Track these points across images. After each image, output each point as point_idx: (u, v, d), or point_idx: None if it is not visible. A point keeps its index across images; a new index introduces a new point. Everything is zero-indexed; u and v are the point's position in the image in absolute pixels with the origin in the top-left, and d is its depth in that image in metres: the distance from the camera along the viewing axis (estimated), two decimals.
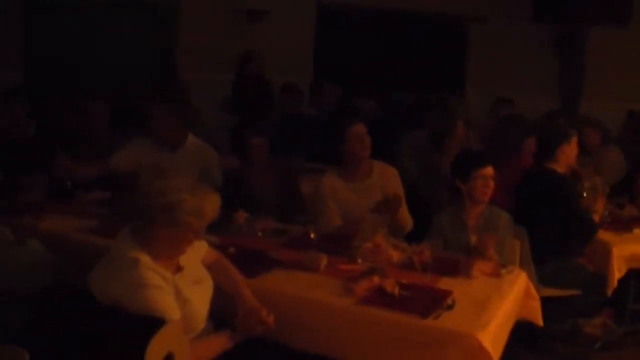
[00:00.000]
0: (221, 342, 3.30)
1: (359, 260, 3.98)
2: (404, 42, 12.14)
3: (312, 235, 4.31)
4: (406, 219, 4.90)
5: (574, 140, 5.35)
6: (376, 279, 3.61)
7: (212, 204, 3.19)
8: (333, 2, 11.74)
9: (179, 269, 3.25)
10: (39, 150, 5.97)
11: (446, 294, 3.59)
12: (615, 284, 5.13)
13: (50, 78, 8.96)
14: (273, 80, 9.30)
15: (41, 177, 5.14)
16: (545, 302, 4.26)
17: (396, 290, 3.54)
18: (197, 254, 3.43)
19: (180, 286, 3.18)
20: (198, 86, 8.66)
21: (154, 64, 10.17)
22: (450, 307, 3.44)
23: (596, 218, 5.24)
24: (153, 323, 2.94)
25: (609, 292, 5.15)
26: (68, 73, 9.08)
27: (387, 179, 4.91)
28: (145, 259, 3.10)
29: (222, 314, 3.43)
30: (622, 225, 5.50)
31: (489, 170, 4.53)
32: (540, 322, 4.14)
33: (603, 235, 5.26)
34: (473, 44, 12.32)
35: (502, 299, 3.67)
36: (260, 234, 4.49)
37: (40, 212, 4.64)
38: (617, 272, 5.13)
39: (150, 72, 9.96)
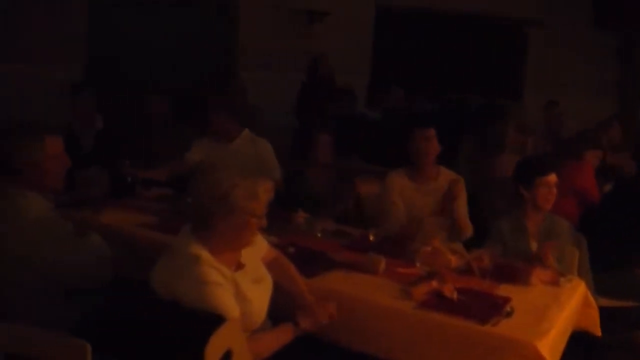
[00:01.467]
0: (284, 334, 3.31)
1: (418, 264, 3.97)
2: (462, 45, 12.10)
3: (371, 238, 4.32)
4: (467, 224, 4.91)
5: None
6: (435, 284, 3.60)
7: (264, 186, 3.20)
8: (392, 4, 11.72)
9: (239, 266, 3.27)
10: (103, 145, 6.07)
11: (505, 300, 3.56)
12: None
13: (111, 73, 9.06)
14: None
15: (103, 171, 5.21)
16: (601, 312, 4.21)
17: (455, 296, 3.53)
18: (257, 253, 3.46)
19: (240, 283, 3.19)
20: (256, 85, 8.72)
21: (213, 61, 10.25)
22: (509, 314, 3.42)
23: None
24: (213, 320, 2.95)
25: None
26: (128, 69, 9.19)
27: (453, 185, 4.90)
28: (205, 255, 3.12)
29: (281, 312, 3.45)
30: None
31: (553, 178, 4.49)
32: (598, 332, 4.09)
33: None
34: (532, 48, 12.24)
35: (561, 308, 3.63)
36: (319, 234, 4.50)
37: (101, 206, 4.71)
38: None
39: (208, 70, 10.04)
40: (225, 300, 3.08)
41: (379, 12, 11.96)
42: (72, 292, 3.68)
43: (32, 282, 3.55)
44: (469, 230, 4.95)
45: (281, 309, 3.45)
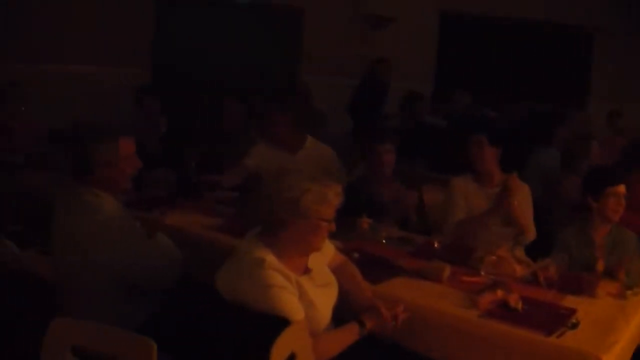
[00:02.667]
0: (349, 334, 3.31)
1: (483, 273, 3.95)
2: (527, 52, 11.99)
3: (436, 245, 4.31)
4: (528, 226, 4.87)
5: None
6: (500, 293, 3.57)
7: (334, 190, 3.21)
8: (457, 11, 11.68)
9: (306, 271, 3.29)
10: (169, 147, 6.15)
11: (570, 312, 3.52)
12: None
13: (176, 76, 9.16)
14: (395, 87, 9.29)
15: (169, 173, 5.28)
16: None
17: (520, 306, 3.50)
18: (324, 258, 3.47)
19: (305, 287, 3.21)
20: (319, 90, 8.74)
21: (276, 65, 10.30)
22: (574, 326, 3.38)
23: None
24: (278, 323, 2.97)
25: None
26: (193, 72, 9.28)
27: (508, 181, 4.85)
28: (271, 259, 3.14)
29: (344, 317, 3.46)
30: None
31: (622, 189, 4.43)
32: None
33: None
34: (598, 55, 12.09)
35: (628, 321, 3.57)
36: (384, 240, 4.50)
37: (167, 208, 4.77)
38: None
39: (272, 74, 10.10)
40: (289, 302, 3.09)
41: (444, 18, 11.92)
42: (140, 291, 3.74)
43: (102, 281, 3.62)
44: (531, 232, 4.90)
45: (344, 314, 3.47)
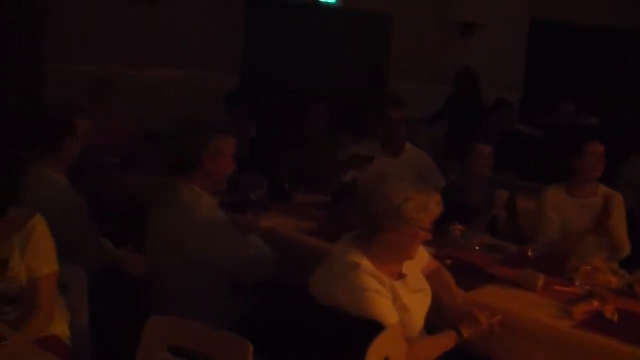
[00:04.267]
0: (446, 341, 3.32)
1: (577, 283, 3.90)
2: (619, 58, 11.78)
3: (529, 253, 4.29)
4: (624, 242, 4.81)
5: None
6: (596, 303, 3.53)
7: (435, 199, 3.22)
8: (547, 18, 11.54)
9: (400, 276, 3.31)
10: (258, 151, 6.22)
11: None
12: None
13: (264, 81, 9.25)
14: (483, 95, 9.22)
15: (260, 177, 5.34)
16: None
17: (615, 317, 3.45)
18: (418, 263, 3.48)
19: (399, 292, 3.22)
20: (406, 96, 8.73)
21: (364, 71, 10.32)
22: None
23: None
24: (372, 327, 3.00)
25: None
26: (282, 77, 9.35)
27: (610, 201, 4.79)
28: (365, 263, 3.16)
29: (434, 323, 3.47)
30: None
31: None
32: None
33: None
34: None
35: None
36: (477, 248, 4.49)
37: (259, 210, 4.83)
38: None
39: (360, 79, 10.12)
40: (383, 307, 3.11)
41: (533, 26, 11.80)
42: (234, 291, 3.81)
43: (198, 279, 3.70)
44: (626, 248, 4.83)
45: (435, 320, 3.48)
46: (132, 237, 4.60)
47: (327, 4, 10.08)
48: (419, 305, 3.35)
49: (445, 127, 9.29)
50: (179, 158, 3.79)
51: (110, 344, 3.76)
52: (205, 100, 8.25)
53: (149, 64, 8.57)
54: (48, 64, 7.80)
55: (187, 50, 8.77)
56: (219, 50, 9.02)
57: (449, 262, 4.03)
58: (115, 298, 4.05)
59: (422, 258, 3.53)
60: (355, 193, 4.98)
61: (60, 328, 3.48)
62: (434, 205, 3.20)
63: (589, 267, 3.96)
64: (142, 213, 4.26)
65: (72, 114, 4.50)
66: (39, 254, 3.33)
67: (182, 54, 8.75)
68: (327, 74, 9.64)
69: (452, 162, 5.54)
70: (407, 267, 3.35)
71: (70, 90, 6.81)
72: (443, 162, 5.82)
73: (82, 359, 3.55)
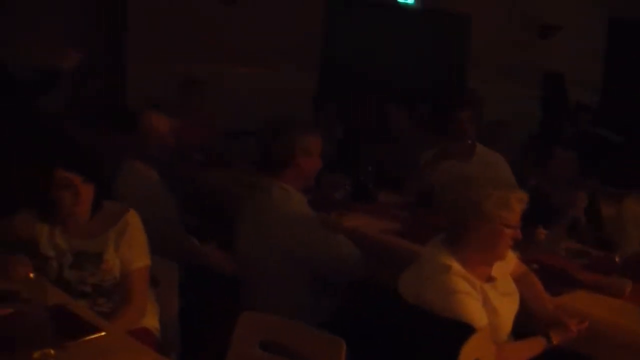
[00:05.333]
0: (536, 346, 3.29)
1: None
2: None
3: (617, 259, 4.23)
4: None
5: None
6: None
7: (518, 196, 3.20)
8: (626, 17, 11.34)
9: (490, 279, 3.30)
10: (343, 153, 6.25)
11: None
12: None
13: (344, 81, 9.27)
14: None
15: (345, 177, 5.37)
16: None
17: None
18: (507, 267, 3.46)
19: (489, 295, 3.21)
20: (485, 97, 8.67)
21: (443, 71, 10.29)
22: None
23: None
24: (463, 329, 2.99)
25: None
26: (361, 76, 9.37)
27: None
28: (456, 266, 3.16)
29: (522, 327, 3.45)
30: None
31: None
32: None
33: None
34: None
35: None
36: (563, 252, 4.45)
37: (344, 210, 4.85)
38: None
39: (438, 80, 10.09)
40: (474, 309, 3.10)
41: (613, 26, 11.62)
42: (321, 289, 3.84)
43: (288, 275, 3.75)
44: None
45: (522, 324, 3.46)
46: (214, 233, 4.67)
47: (406, 5, 10.07)
48: (508, 308, 3.33)
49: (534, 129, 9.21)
50: (270, 156, 3.84)
51: (198, 338, 3.81)
52: (285, 99, 8.30)
53: (229, 62, 8.64)
54: (129, 62, 7.95)
55: (267, 48, 8.83)
56: (299, 49, 9.06)
57: (535, 266, 3.99)
58: (202, 293, 4.11)
59: (510, 262, 3.51)
60: (436, 195, 4.96)
61: (151, 321, 3.56)
62: (515, 202, 3.18)
63: None
64: (225, 210, 4.32)
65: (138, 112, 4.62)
66: (133, 248, 3.42)
67: (262, 53, 8.81)
68: (406, 75, 9.64)
69: (535, 165, 5.48)
70: (496, 270, 3.34)
71: (152, 89, 6.92)
72: (524, 165, 5.75)
73: (171, 352, 3.60)
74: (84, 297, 3.37)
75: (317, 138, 3.92)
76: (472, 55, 10.58)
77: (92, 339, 2.77)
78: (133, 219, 3.46)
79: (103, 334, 2.83)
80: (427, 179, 5.31)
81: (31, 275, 3.13)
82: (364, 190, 5.31)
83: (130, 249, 3.41)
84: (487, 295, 3.21)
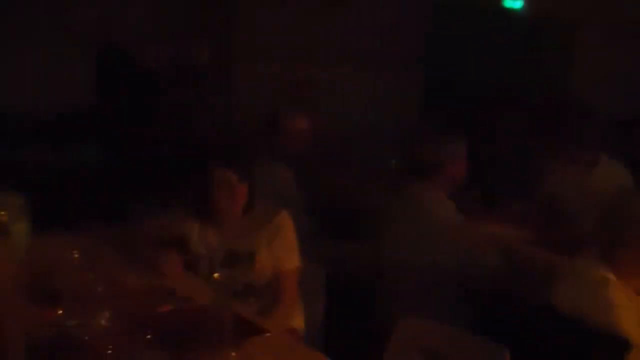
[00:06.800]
0: None
1: None
2: None
3: None
4: None
5: None
6: None
7: None
8: None
9: None
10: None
11: None
12: None
13: (449, 85, 9.21)
14: None
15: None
16: None
17: None
18: None
19: None
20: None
21: (548, 78, 10.13)
22: None
23: None
24: (621, 344, 2.94)
25: None
26: (466, 81, 9.29)
27: None
28: (613, 279, 3.10)
29: None
30: None
31: None
32: None
33: None
34: None
35: None
36: None
37: (472, 217, 4.80)
38: None
39: (544, 87, 9.94)
40: (633, 324, 3.05)
41: None
42: (464, 297, 3.82)
43: (432, 280, 3.73)
44: None
45: None
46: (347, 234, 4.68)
47: (513, 10, 9.97)
48: None
49: None
50: (419, 162, 3.83)
51: (341, 341, 3.81)
52: (386, 103, 8.30)
53: (335, 63, 8.64)
54: (235, 63, 8.01)
55: (369, 50, 8.82)
56: (402, 52, 9.04)
57: None
58: (342, 294, 4.11)
59: None
60: (560, 205, 4.89)
61: (298, 322, 3.57)
62: None
63: None
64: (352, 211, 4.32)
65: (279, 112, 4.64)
66: (285, 249, 3.45)
67: (365, 55, 8.80)
68: (511, 80, 9.52)
69: None
70: None
71: (258, 89, 6.98)
72: None
73: None
74: (234, 296, 3.39)
75: (462, 144, 3.91)
76: (577, 62, 10.39)
77: (260, 339, 2.78)
78: (286, 219, 3.49)
79: (269, 334, 2.85)
80: (550, 188, 5.24)
81: (216, 276, 3.18)
82: (489, 197, 5.26)
83: (283, 250, 3.44)
84: None
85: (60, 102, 6.89)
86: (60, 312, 2.74)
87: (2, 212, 3.06)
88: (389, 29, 8.96)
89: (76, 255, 2.92)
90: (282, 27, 8.27)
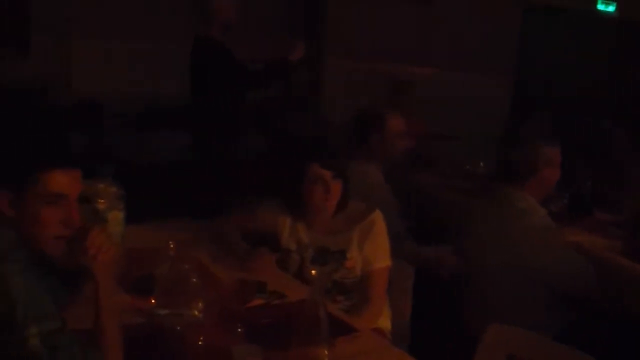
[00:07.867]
0: None
1: None
2: None
3: None
4: None
5: None
6: None
7: None
8: None
9: None
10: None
11: None
12: None
13: (540, 89, 9.10)
14: None
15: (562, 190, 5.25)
16: None
17: None
18: None
19: None
20: None
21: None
22: None
23: None
24: None
25: None
26: (558, 85, 9.18)
27: None
28: None
29: None
30: None
31: None
32: None
33: None
34: None
35: None
36: None
37: (561, 224, 4.72)
38: None
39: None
40: None
41: None
42: (552, 305, 3.77)
43: (521, 285, 3.71)
44: None
45: None
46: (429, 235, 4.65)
47: (606, 13, 9.80)
48: None
49: None
50: (513, 166, 3.81)
51: (428, 342, 3.80)
52: (477, 104, 8.24)
53: (420, 63, 8.63)
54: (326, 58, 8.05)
55: (459, 51, 8.78)
56: (493, 54, 8.97)
57: None
58: (428, 297, 4.10)
59: None
60: None
61: (385, 322, 3.57)
62: None
63: None
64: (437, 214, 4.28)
65: (383, 113, 4.62)
66: (376, 248, 3.45)
67: (454, 55, 8.76)
68: (601, 86, 9.37)
69: None
70: None
71: (347, 86, 6.98)
72: None
73: None
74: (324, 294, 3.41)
75: (558, 149, 3.87)
76: None
77: (348, 338, 2.78)
78: (378, 219, 3.49)
79: (358, 334, 2.85)
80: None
81: (313, 272, 3.20)
82: (581, 205, 5.17)
83: (374, 249, 3.44)
84: None
85: (155, 96, 7.03)
86: (153, 301, 2.78)
87: (102, 200, 3.11)
88: (479, 30, 8.91)
89: (172, 246, 2.96)
90: (375, 26, 8.30)
